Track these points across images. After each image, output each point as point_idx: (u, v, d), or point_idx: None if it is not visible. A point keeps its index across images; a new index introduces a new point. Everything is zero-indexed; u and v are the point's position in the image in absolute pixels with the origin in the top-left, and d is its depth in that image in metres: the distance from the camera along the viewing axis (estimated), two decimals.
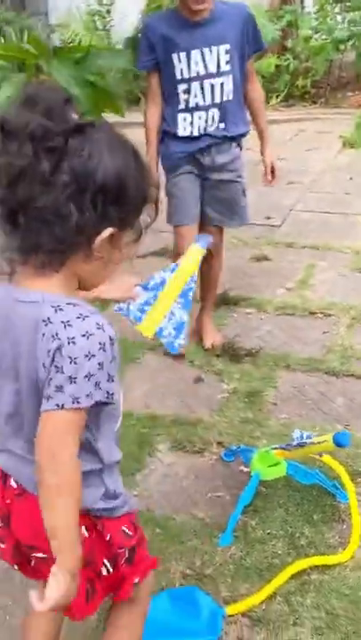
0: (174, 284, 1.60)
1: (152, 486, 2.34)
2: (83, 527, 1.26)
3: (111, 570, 1.34)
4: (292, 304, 3.60)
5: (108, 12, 9.64)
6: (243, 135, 2.99)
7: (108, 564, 1.34)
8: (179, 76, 2.80)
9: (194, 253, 1.72)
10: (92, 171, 1.07)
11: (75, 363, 1.07)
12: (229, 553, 2.04)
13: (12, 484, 1.28)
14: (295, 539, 2.09)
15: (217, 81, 2.80)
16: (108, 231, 1.12)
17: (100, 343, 1.09)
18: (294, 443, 2.20)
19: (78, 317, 1.09)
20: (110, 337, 1.11)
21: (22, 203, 1.07)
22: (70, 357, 1.07)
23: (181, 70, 2.79)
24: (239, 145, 3.02)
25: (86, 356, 1.08)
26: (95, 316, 1.12)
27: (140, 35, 2.72)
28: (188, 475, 2.41)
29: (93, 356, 1.08)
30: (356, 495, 2.19)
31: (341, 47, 8.67)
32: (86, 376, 1.08)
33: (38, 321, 1.11)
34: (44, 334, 1.09)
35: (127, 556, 1.35)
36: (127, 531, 1.35)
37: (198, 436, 2.57)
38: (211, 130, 2.87)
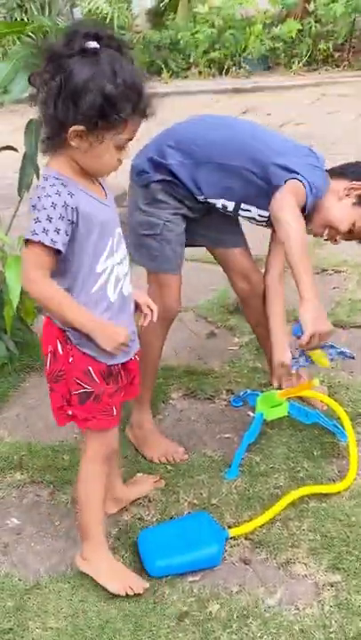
0: None
1: (166, 430, 2.52)
2: (57, 342, 1.70)
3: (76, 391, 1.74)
4: None
5: None
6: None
7: (77, 382, 1.72)
8: None
9: None
10: (67, 81, 1.45)
11: (31, 211, 1.56)
12: (234, 485, 2.21)
13: None
14: (296, 472, 2.25)
15: None
16: (74, 127, 1.49)
17: (52, 203, 1.53)
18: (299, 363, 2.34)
19: (51, 185, 1.55)
20: (65, 202, 1.54)
21: (40, 102, 1.51)
22: (32, 206, 1.56)
23: None
24: None
25: (35, 207, 1.54)
26: (60, 186, 1.54)
27: None
28: (199, 419, 2.58)
29: (45, 209, 1.53)
30: (355, 434, 2.33)
31: None
32: (35, 220, 1.54)
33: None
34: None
35: (80, 395, 1.73)
36: (93, 374, 1.72)
37: (209, 385, 2.74)
38: None
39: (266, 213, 2.26)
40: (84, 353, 1.70)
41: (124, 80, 1.46)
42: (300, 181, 2.10)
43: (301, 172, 2.11)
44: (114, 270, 1.69)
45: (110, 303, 1.70)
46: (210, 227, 2.38)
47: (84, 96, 1.45)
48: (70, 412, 1.78)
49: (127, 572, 1.91)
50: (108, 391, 1.76)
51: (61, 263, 1.61)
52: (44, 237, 1.53)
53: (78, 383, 1.73)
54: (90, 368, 1.71)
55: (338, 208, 2.21)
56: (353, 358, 2.43)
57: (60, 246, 1.55)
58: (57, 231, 1.53)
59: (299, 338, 1.99)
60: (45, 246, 1.54)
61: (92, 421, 1.78)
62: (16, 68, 2.55)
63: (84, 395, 1.74)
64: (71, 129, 1.49)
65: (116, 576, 1.88)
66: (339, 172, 2.29)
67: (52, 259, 1.57)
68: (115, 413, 1.81)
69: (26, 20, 7.92)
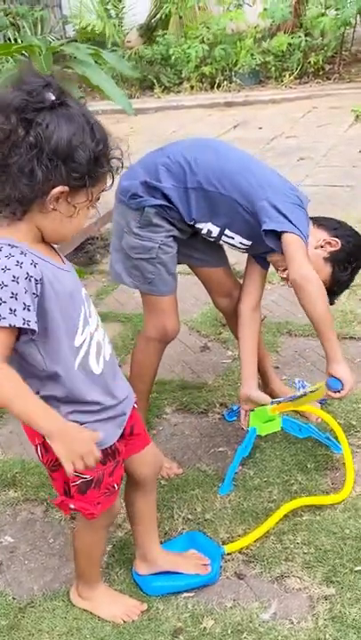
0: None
1: (159, 444, 2.50)
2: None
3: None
4: None
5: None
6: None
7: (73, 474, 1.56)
8: None
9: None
10: (48, 137, 1.33)
11: None
12: (228, 499, 2.22)
13: None
14: (290, 485, 2.25)
15: None
16: (59, 188, 1.36)
17: (13, 276, 1.33)
18: (299, 394, 2.29)
19: (6, 256, 1.35)
20: (28, 273, 1.35)
21: (1, 161, 1.33)
22: None
23: None
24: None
25: (0, 285, 1.33)
26: (20, 256, 1.36)
27: None
28: (193, 433, 2.58)
29: (6, 286, 1.33)
30: (348, 445, 2.34)
31: (352, 21, 8.66)
32: None
33: None
34: None
35: (80, 486, 1.61)
36: None
37: (203, 399, 2.75)
38: None
39: (247, 242, 2.30)
40: None
41: (100, 133, 1.40)
42: (296, 234, 2.10)
43: (290, 217, 2.11)
44: (93, 337, 1.54)
45: (100, 374, 1.57)
46: (195, 248, 2.40)
47: (72, 154, 1.34)
48: (72, 506, 1.65)
49: (123, 599, 1.89)
50: (107, 471, 1.64)
51: (36, 348, 1.44)
52: (14, 319, 1.33)
53: (74, 474, 1.55)
54: None
55: (309, 254, 2.21)
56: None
57: (33, 325, 1.36)
58: (27, 308, 1.34)
59: (336, 391, 2.14)
60: (10, 329, 1.34)
61: (96, 508, 1.66)
62: (4, 86, 2.60)
63: (83, 485, 1.61)
64: (55, 190, 1.36)
65: (114, 606, 1.86)
66: (320, 223, 2.30)
67: (12, 342, 1.38)
68: (117, 488, 1.71)
69: (18, 38, 8.04)
